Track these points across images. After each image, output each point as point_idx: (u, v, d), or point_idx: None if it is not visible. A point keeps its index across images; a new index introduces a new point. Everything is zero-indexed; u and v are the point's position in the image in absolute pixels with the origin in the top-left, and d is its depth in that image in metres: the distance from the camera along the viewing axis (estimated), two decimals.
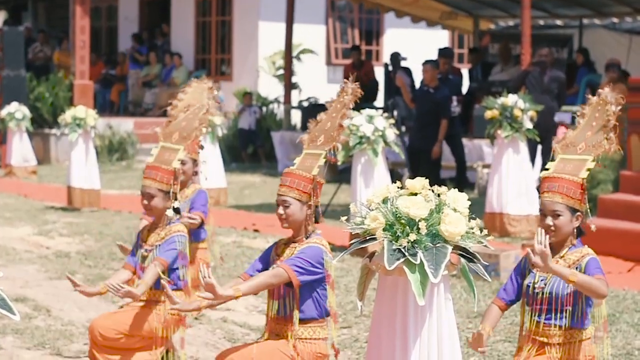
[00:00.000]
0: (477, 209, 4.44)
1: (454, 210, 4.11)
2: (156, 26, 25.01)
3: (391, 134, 10.21)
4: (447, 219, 4.06)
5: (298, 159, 5.15)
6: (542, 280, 4.93)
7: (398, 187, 4.25)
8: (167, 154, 5.86)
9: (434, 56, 14.61)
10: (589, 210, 4.94)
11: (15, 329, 7.10)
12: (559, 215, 4.87)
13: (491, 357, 6.62)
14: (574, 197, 4.87)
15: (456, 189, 4.23)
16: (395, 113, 13.20)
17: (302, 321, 5.00)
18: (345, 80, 5.23)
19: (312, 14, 22.23)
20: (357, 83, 5.13)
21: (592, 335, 4.99)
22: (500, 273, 8.80)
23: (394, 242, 4.04)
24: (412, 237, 4.02)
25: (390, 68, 18.60)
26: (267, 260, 5.13)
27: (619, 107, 4.99)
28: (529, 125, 11.23)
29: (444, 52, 14.65)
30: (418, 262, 3.97)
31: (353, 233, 4.25)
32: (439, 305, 4.10)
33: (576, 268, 4.85)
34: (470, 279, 4.15)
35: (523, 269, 5.07)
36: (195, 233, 7.64)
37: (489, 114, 11.29)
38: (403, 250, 4.01)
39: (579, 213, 4.88)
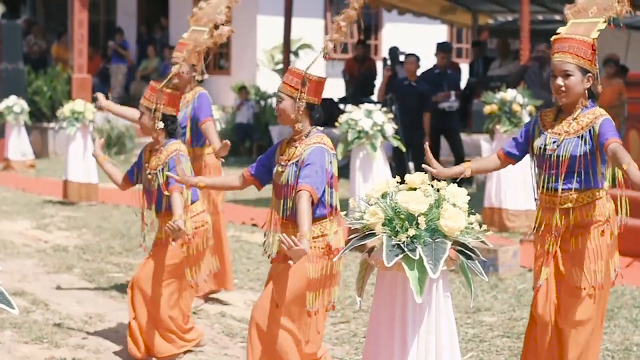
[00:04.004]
0: (475, 203, 4.43)
1: (454, 205, 4.10)
2: (155, 20, 24.96)
3: (390, 128, 10.21)
4: (446, 214, 4.06)
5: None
6: (554, 142, 4.90)
7: (397, 182, 4.25)
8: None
9: (432, 50, 14.60)
10: (598, 73, 4.91)
11: (14, 323, 7.10)
12: (569, 75, 4.84)
13: (490, 353, 6.61)
14: (584, 57, 4.83)
15: (455, 184, 4.23)
16: (393, 108, 13.17)
17: (312, 220, 5.00)
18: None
19: (311, 7, 22.20)
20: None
21: (606, 193, 4.97)
22: (498, 268, 8.79)
23: (393, 237, 4.03)
24: (412, 232, 4.01)
25: (388, 62, 18.54)
26: (271, 158, 5.34)
27: None
28: (528, 120, 11.23)
29: (443, 47, 14.58)
30: (417, 257, 3.96)
31: (352, 228, 4.25)
32: (438, 300, 4.09)
33: (589, 130, 4.81)
34: (468, 275, 4.14)
35: (533, 129, 5.02)
36: (199, 138, 7.54)
37: (487, 108, 11.29)
38: (402, 245, 4.00)
39: (589, 74, 4.85)
